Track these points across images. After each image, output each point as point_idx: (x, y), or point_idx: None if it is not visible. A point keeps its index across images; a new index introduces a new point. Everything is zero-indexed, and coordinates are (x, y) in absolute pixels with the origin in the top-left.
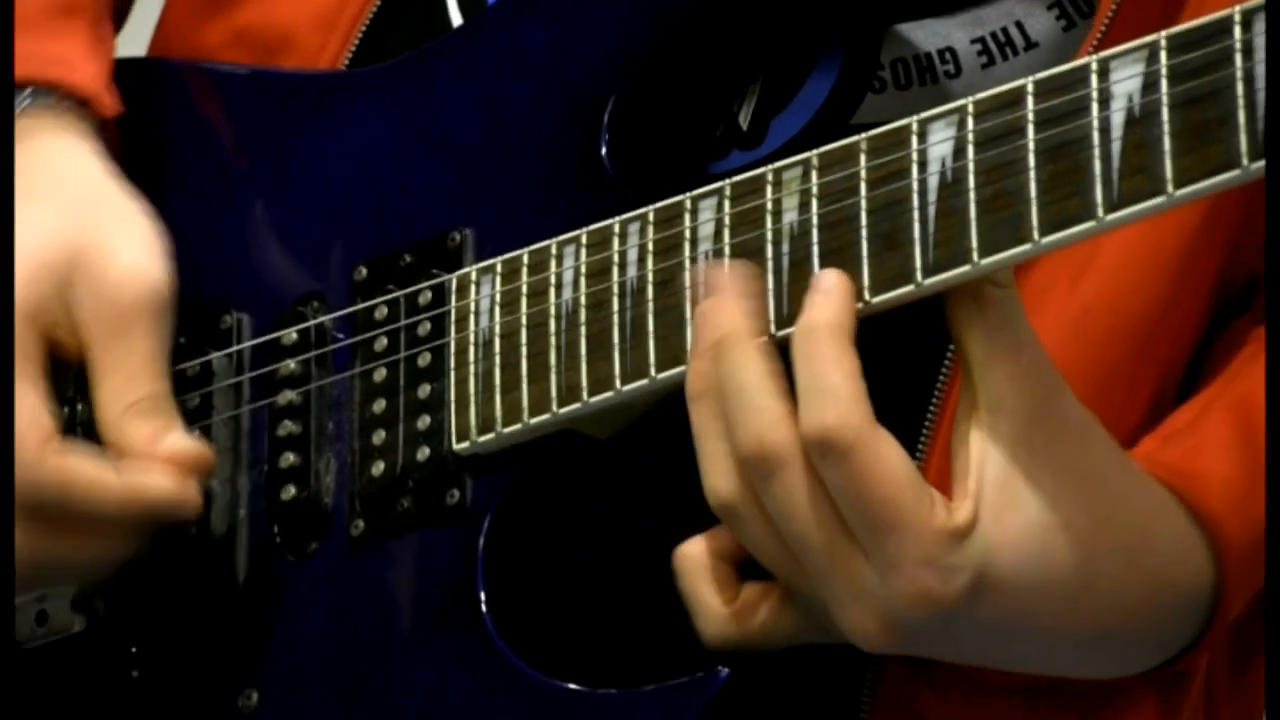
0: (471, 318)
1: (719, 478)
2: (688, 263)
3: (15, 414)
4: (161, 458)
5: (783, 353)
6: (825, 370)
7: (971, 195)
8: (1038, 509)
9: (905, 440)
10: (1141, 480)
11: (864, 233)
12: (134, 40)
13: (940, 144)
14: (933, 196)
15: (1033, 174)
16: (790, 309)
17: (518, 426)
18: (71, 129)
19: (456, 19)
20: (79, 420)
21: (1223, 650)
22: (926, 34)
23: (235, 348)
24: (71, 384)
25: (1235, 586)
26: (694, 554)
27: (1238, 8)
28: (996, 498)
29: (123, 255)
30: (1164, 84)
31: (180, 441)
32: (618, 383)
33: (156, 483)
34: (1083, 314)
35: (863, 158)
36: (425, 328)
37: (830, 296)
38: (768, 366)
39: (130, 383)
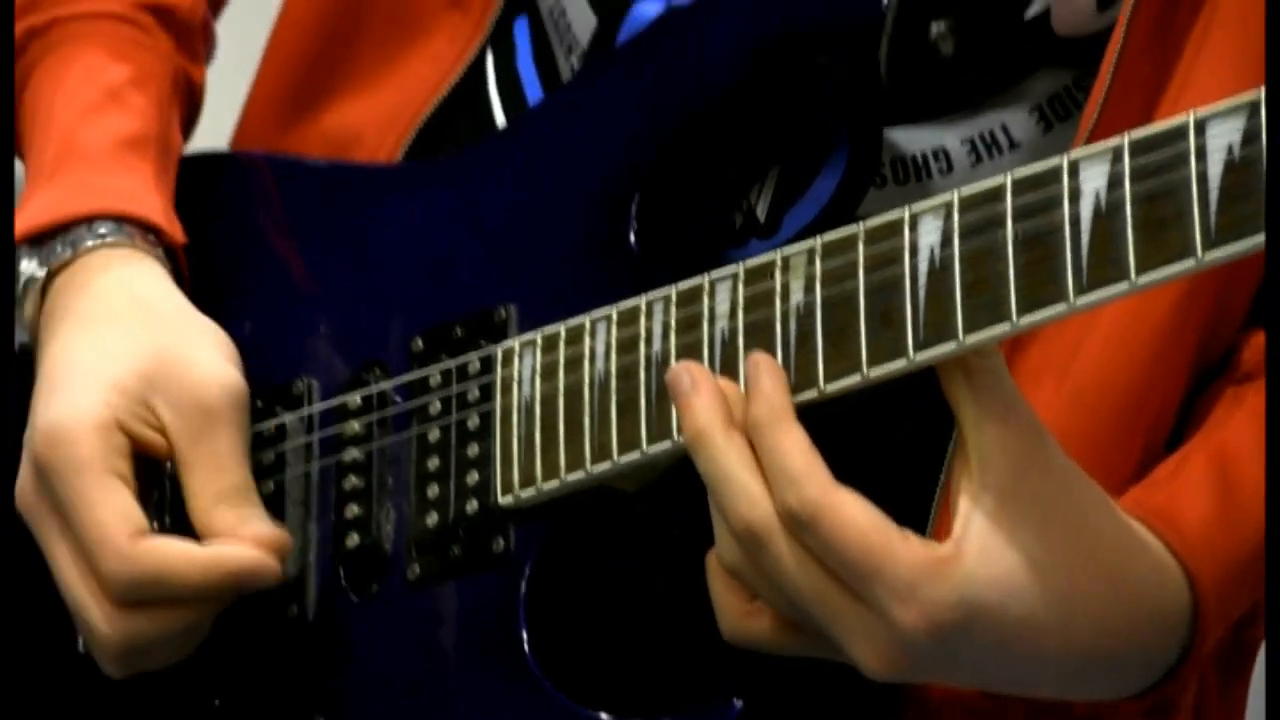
0: (515, 385)
1: (723, 547)
2: (706, 338)
3: (108, 512)
4: (246, 540)
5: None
6: (776, 456)
7: (957, 280)
8: (1024, 546)
9: (919, 503)
10: (1123, 520)
11: (862, 313)
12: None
13: (929, 234)
14: (923, 281)
15: (1011, 261)
16: (798, 378)
17: (555, 483)
18: (145, 256)
19: (500, 120)
20: (169, 513)
21: (1210, 676)
22: (923, 136)
23: (306, 410)
24: (164, 481)
25: (1211, 614)
26: None
27: (1192, 115)
28: (984, 537)
29: (201, 362)
30: (1127, 182)
31: (263, 526)
32: (644, 444)
33: (238, 550)
34: (1075, 394)
35: (861, 245)
36: (474, 393)
37: (760, 389)
38: (738, 452)
39: (216, 475)
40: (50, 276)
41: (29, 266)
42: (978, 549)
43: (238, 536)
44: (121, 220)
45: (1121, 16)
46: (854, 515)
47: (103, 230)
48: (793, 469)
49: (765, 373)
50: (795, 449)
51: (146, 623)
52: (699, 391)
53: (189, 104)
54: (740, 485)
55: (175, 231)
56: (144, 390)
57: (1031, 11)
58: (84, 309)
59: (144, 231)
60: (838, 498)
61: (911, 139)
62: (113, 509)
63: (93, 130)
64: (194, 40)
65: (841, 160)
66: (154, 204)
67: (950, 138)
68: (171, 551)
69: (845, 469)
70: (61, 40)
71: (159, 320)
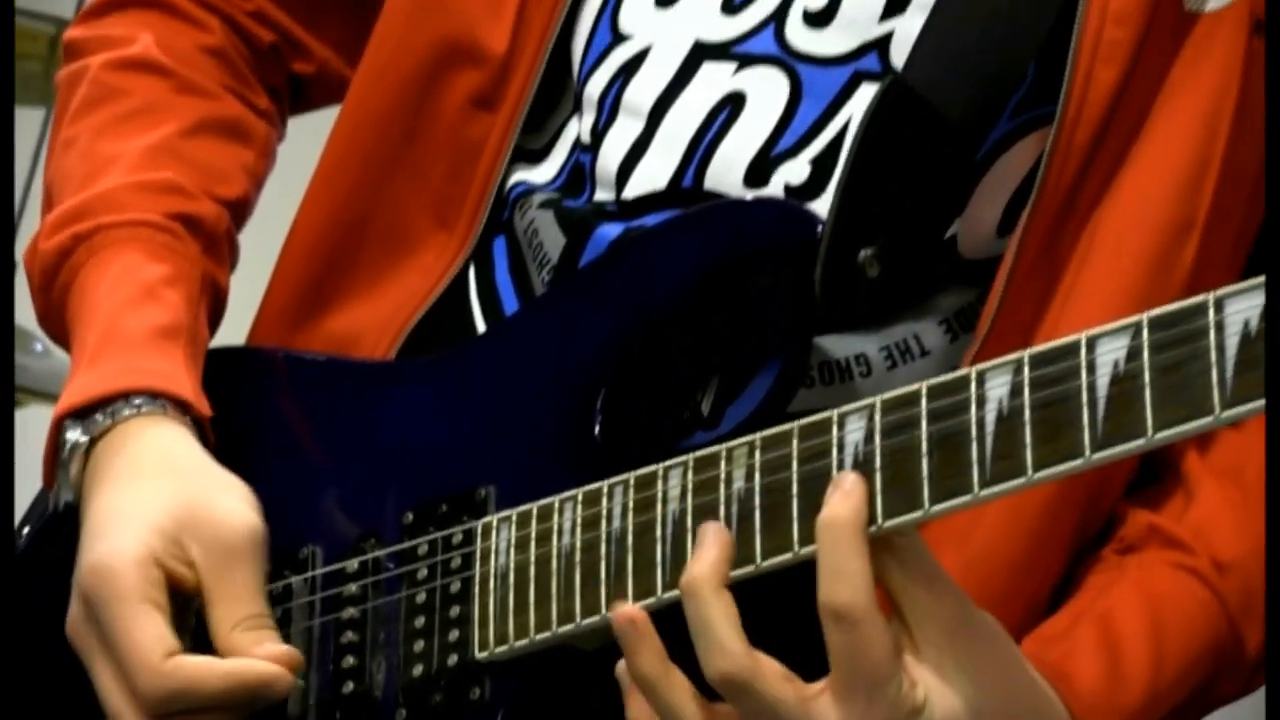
0: (493, 555)
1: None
2: (659, 518)
3: (145, 636)
4: (263, 657)
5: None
6: (706, 625)
7: (878, 473)
8: (964, 692)
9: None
10: (1032, 675)
11: (795, 499)
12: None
13: (855, 431)
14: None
15: (925, 459)
16: (738, 555)
17: (526, 641)
18: (176, 424)
19: (480, 325)
20: (197, 636)
21: None
22: (847, 343)
23: (310, 573)
24: (192, 613)
25: None
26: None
27: (1084, 334)
28: (932, 684)
29: (226, 507)
30: (1026, 390)
31: (276, 645)
32: (604, 609)
33: (256, 664)
34: (970, 564)
35: (795, 440)
36: (457, 562)
37: (697, 554)
38: (721, 608)
39: (237, 606)
40: (92, 442)
41: (74, 435)
42: (936, 693)
43: (254, 655)
44: (155, 395)
45: (1013, 240)
46: (778, 684)
47: (138, 402)
48: (721, 637)
49: (708, 544)
50: (723, 615)
51: None
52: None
53: (215, 303)
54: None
55: (202, 406)
56: (177, 531)
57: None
58: (122, 468)
59: (175, 405)
60: (761, 663)
61: (836, 345)
62: (149, 634)
63: (131, 320)
64: (220, 248)
65: (777, 364)
66: (184, 383)
67: (870, 345)
68: (199, 667)
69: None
70: (105, 244)
71: (188, 473)
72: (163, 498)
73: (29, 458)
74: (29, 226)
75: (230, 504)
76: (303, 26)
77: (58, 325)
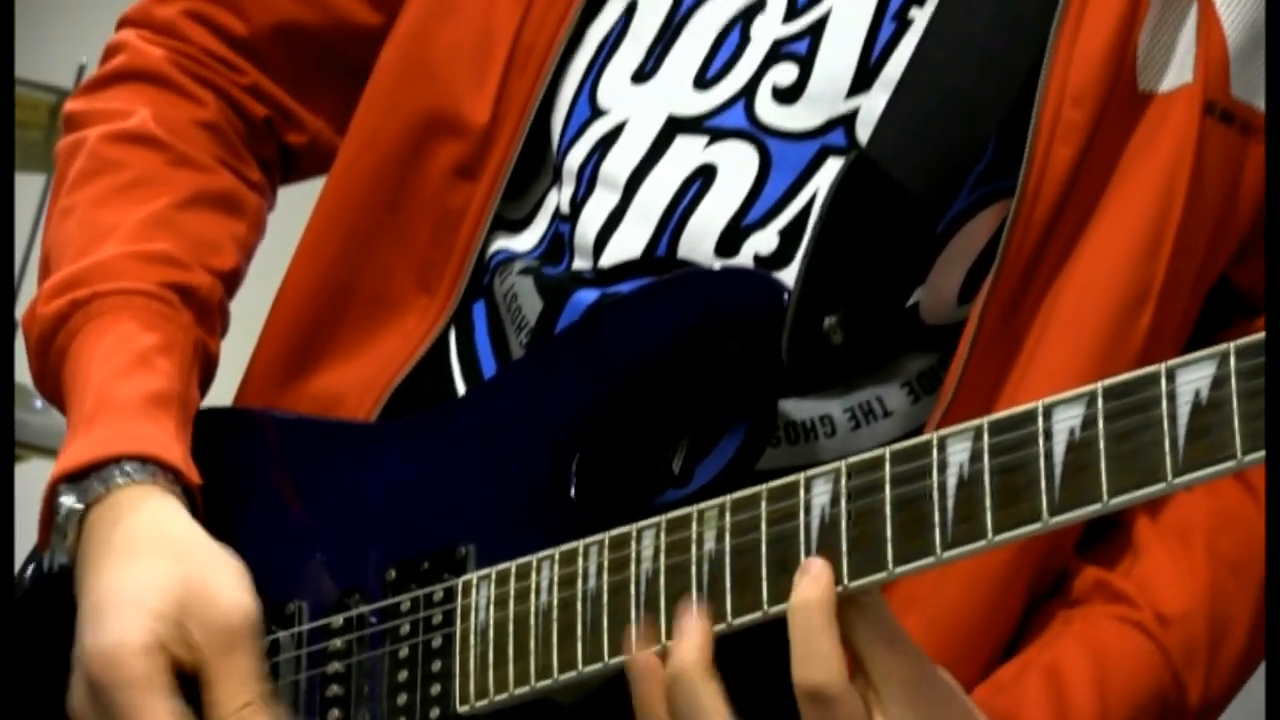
0: (473, 612)
1: None
2: (633, 577)
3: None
4: None
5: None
6: (696, 710)
7: (843, 535)
8: None
9: None
10: None
11: (764, 561)
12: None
13: (821, 495)
14: (814, 535)
15: (889, 521)
16: (713, 611)
17: (505, 695)
18: (167, 493)
19: (460, 387)
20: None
21: None
22: (812, 405)
23: (296, 629)
24: (196, 689)
25: None
26: None
27: (1041, 403)
28: None
29: (224, 590)
30: (986, 456)
31: None
32: (580, 665)
33: None
34: (934, 623)
35: (764, 503)
36: (438, 618)
37: (682, 642)
38: (711, 693)
39: (239, 691)
40: (87, 508)
41: (69, 500)
42: None
43: None
44: (145, 460)
45: (975, 309)
46: None
47: (130, 469)
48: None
49: (688, 630)
50: (711, 699)
51: None
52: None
53: (206, 369)
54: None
55: (191, 474)
56: (178, 614)
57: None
58: (118, 544)
59: (165, 472)
60: None
61: (801, 407)
62: (159, 717)
63: (124, 387)
64: (211, 317)
65: (745, 425)
66: (174, 451)
67: (835, 407)
68: None
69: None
70: (101, 311)
71: (183, 553)
72: (161, 579)
73: (29, 512)
74: (28, 290)
75: (226, 585)
76: (295, 99)
77: (53, 388)
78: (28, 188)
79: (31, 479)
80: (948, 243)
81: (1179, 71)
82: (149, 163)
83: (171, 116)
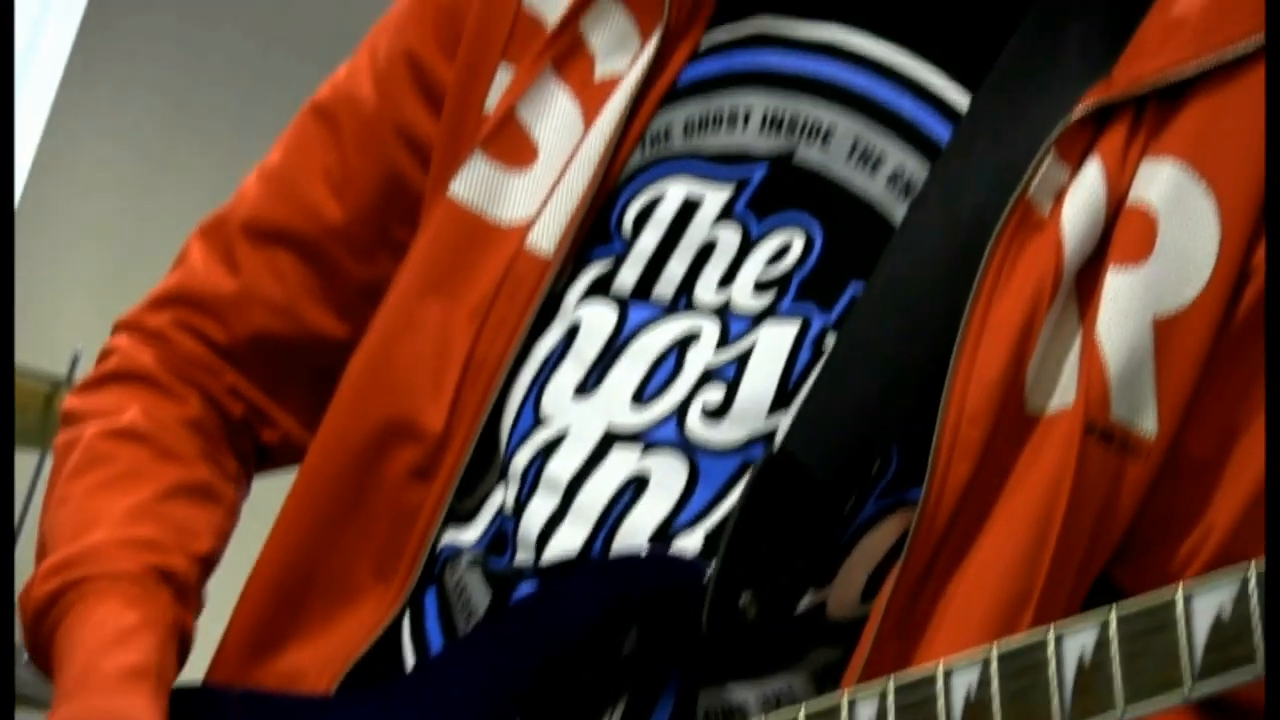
0: None
1: None
2: None
3: None
4: None
5: None
6: None
7: None
8: None
9: None
10: None
11: None
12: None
13: None
14: None
15: None
16: None
17: None
18: None
19: (410, 664)
20: None
21: None
22: (730, 692)
23: None
24: None
25: None
26: None
27: (941, 664)
28: None
29: None
30: (891, 716)
31: None
32: None
33: None
34: None
35: None
36: None
37: None
38: None
39: None
40: None
41: None
42: None
43: None
44: None
45: (878, 606)
46: None
47: None
48: None
49: None
50: None
51: None
52: None
53: (182, 643)
54: None
55: None
56: None
57: (810, 602)
58: None
59: None
60: None
61: (719, 695)
62: None
63: (106, 661)
64: (189, 596)
65: (668, 704)
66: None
67: (749, 694)
68: None
69: None
70: (90, 592)
71: None
72: None
73: None
74: (22, 558)
75: None
76: (270, 400)
77: (45, 660)
78: (23, 464)
79: None
80: (854, 548)
81: (1063, 395)
82: (136, 457)
83: (158, 414)
